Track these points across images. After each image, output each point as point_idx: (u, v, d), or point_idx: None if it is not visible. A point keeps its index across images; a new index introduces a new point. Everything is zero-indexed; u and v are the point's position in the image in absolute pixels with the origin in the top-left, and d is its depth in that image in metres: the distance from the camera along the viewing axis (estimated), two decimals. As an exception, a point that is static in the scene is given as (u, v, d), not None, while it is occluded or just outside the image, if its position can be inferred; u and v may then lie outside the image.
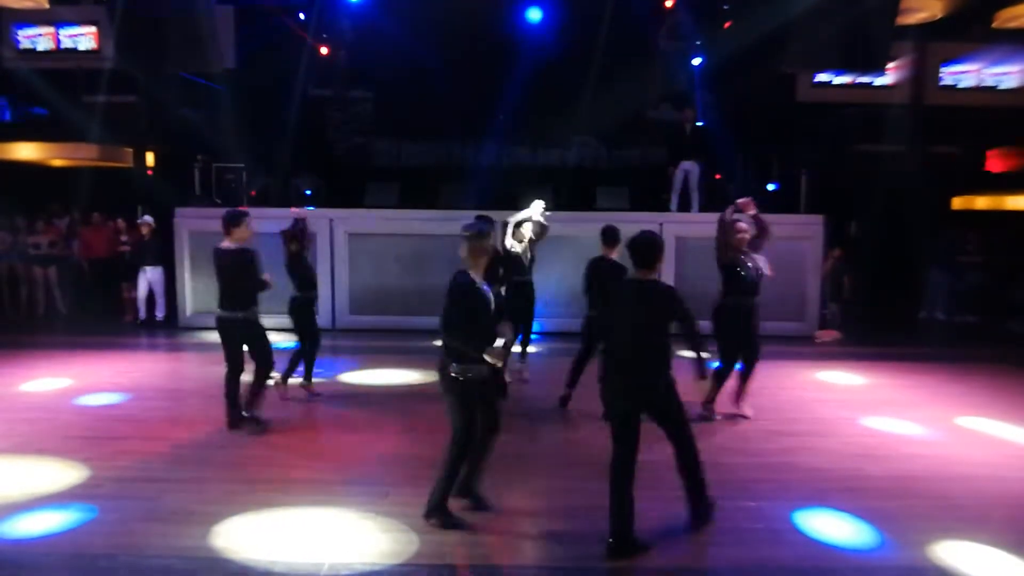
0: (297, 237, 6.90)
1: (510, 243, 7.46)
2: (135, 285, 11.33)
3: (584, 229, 10.62)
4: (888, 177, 12.98)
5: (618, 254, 6.33)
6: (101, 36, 13.00)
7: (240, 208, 6.40)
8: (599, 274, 6.56)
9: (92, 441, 5.89)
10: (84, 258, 12.50)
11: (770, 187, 13.20)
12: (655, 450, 5.89)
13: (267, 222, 10.66)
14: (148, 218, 11.18)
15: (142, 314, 11.31)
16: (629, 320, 4.29)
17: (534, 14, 13.82)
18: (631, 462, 4.21)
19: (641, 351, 4.26)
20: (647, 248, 4.31)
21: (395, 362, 7.79)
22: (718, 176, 13.05)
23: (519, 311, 7.38)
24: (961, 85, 13.81)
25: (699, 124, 11.75)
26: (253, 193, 13.03)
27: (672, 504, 4.92)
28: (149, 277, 11.10)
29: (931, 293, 12.57)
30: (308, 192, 13.17)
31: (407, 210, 11.40)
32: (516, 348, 8.01)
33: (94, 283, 12.43)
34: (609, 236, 6.74)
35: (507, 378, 7.19)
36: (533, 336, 8.15)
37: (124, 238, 11.70)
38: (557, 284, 10.23)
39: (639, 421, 4.25)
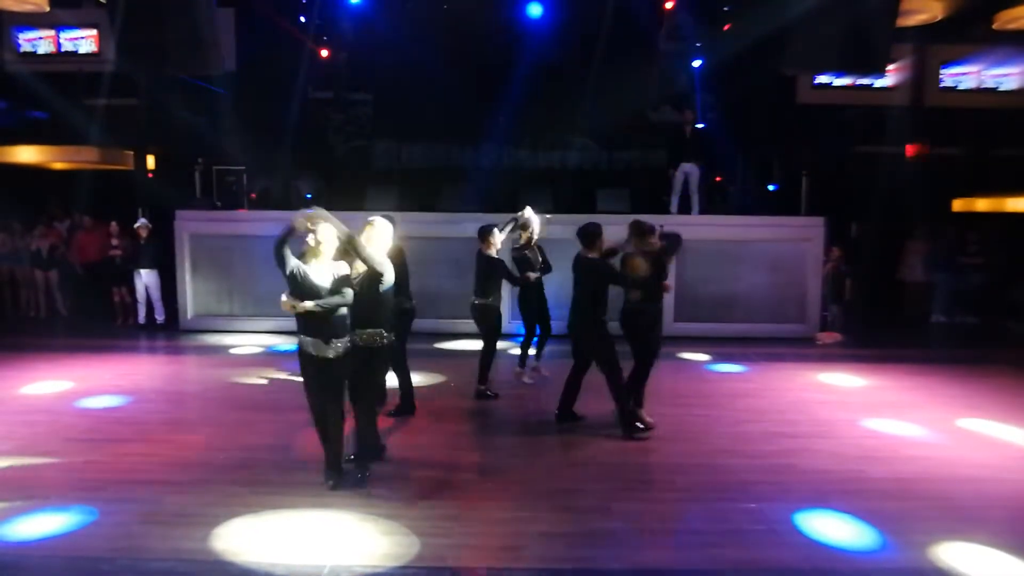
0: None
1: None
2: (131, 289, 11.33)
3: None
4: (889, 178, 12.98)
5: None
6: (101, 39, 13.03)
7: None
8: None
9: (93, 444, 5.90)
10: (78, 262, 12.50)
11: (770, 187, 13.19)
12: (655, 452, 5.92)
13: (268, 224, 10.84)
14: (145, 221, 11.18)
15: (141, 317, 11.31)
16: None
17: (535, 9, 13.81)
18: None
19: None
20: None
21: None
22: (719, 179, 13.05)
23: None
24: (961, 87, 13.83)
25: (699, 126, 11.75)
26: (253, 196, 13.04)
27: (672, 505, 4.93)
28: (145, 280, 11.08)
29: (933, 295, 12.57)
30: (309, 196, 13.18)
31: (407, 212, 11.40)
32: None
33: (89, 286, 12.42)
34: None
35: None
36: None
37: (115, 242, 11.65)
38: (558, 287, 10.22)
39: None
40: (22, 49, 13.39)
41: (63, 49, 13.34)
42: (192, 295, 11.06)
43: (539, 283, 7.74)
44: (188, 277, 11.01)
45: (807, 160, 12.93)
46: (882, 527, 4.51)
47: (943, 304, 12.44)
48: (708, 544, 4.36)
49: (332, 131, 15.82)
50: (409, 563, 4.05)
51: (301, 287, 4.75)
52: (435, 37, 13.40)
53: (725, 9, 13.40)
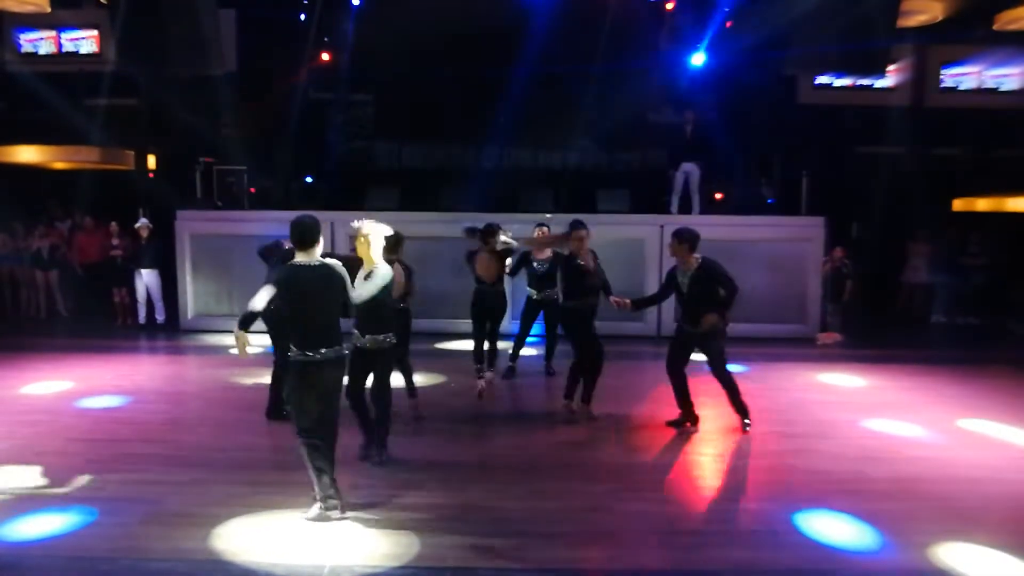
0: None
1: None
2: (131, 289, 11.33)
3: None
4: (889, 179, 12.98)
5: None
6: (102, 39, 13.03)
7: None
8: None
9: (93, 444, 5.90)
10: (79, 262, 12.50)
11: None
12: (655, 452, 5.92)
13: (268, 224, 10.84)
14: (146, 220, 11.18)
15: (141, 317, 11.31)
16: None
17: None
18: None
19: None
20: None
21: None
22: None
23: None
24: (962, 87, 13.82)
25: (700, 126, 11.74)
26: (252, 190, 13.00)
27: (672, 505, 4.93)
28: (145, 280, 11.07)
29: (935, 295, 12.57)
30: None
31: (408, 212, 11.41)
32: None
33: (89, 286, 12.43)
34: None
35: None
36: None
37: (116, 242, 11.65)
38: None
39: None
40: (23, 50, 13.39)
41: (64, 50, 13.34)
42: (192, 295, 11.07)
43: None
44: (188, 277, 11.02)
45: (807, 160, 12.91)
46: (882, 527, 4.50)
47: (944, 304, 12.43)
48: (708, 544, 4.36)
49: (332, 131, 15.82)
50: (409, 563, 4.05)
51: None
52: (435, 37, 13.39)
53: (726, 9, 13.40)
